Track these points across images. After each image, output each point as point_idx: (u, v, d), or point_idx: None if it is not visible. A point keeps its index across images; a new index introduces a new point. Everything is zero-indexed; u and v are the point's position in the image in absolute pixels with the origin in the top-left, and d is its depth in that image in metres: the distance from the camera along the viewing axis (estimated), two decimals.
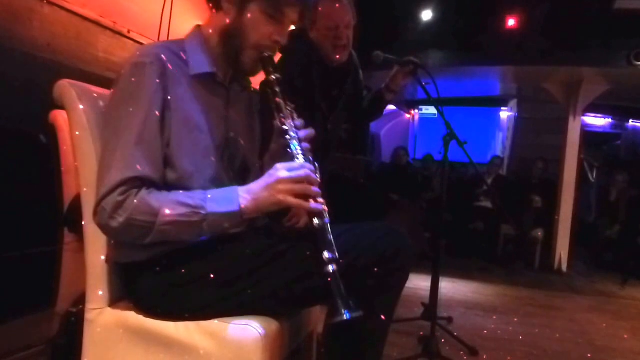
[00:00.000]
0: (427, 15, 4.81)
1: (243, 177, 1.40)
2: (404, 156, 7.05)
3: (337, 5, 2.08)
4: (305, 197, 1.16)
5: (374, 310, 1.24)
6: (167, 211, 1.11)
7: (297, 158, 1.22)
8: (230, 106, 1.37)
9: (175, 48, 1.27)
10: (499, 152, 8.46)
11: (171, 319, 1.20)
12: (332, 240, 1.14)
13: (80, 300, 1.39)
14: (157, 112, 1.17)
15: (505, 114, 9.02)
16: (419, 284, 3.99)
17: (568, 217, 5.75)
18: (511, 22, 4.82)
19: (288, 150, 1.24)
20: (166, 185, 1.18)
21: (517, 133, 8.26)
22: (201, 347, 1.17)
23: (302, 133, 1.27)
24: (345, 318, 1.05)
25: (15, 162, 2.14)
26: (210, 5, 1.33)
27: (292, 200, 1.16)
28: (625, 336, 3.32)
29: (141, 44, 2.94)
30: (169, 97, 1.19)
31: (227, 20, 1.28)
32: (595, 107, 6.97)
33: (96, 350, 1.26)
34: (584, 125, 6.46)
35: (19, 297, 2.09)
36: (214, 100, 1.32)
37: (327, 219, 1.16)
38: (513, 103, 8.50)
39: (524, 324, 3.42)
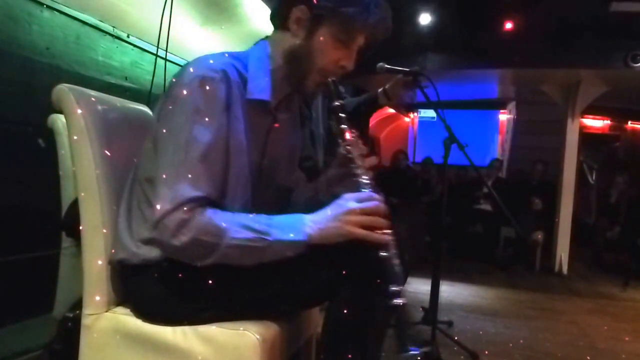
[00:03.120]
0: (425, 19, 4.81)
1: (278, 199, 1.40)
2: (404, 159, 7.04)
3: None
4: (372, 228, 1.14)
5: (372, 314, 1.24)
6: (233, 234, 1.08)
7: (365, 188, 1.20)
8: (272, 131, 1.34)
9: (239, 64, 1.22)
10: (498, 155, 8.47)
11: (169, 324, 1.19)
12: (399, 272, 1.13)
13: (77, 305, 1.39)
14: (223, 131, 1.14)
15: (504, 117, 9.04)
16: (418, 287, 3.98)
17: (568, 219, 5.74)
18: (509, 25, 4.83)
19: (353, 178, 1.23)
20: None
21: (516, 135, 8.27)
22: (198, 352, 1.16)
23: (368, 161, 1.26)
24: (414, 353, 1.07)
25: (13, 165, 2.14)
26: (275, 24, 1.31)
27: (360, 232, 1.13)
28: (627, 338, 3.31)
29: (141, 48, 2.94)
30: (230, 117, 1.17)
31: (295, 42, 1.25)
32: (593, 109, 6.97)
33: (93, 355, 1.25)
34: (583, 127, 6.47)
35: (16, 301, 2.08)
36: (259, 124, 1.29)
37: (393, 251, 1.14)
38: (512, 105, 8.52)
39: (524, 327, 3.42)
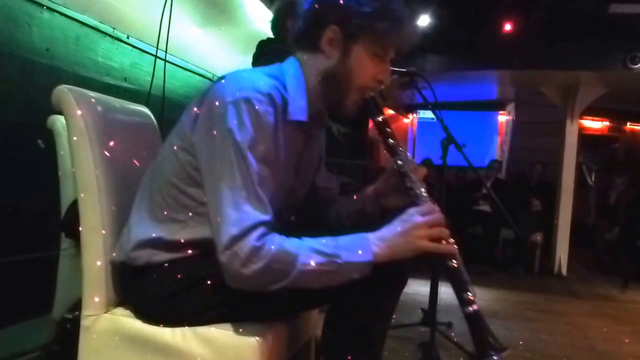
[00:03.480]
0: (424, 20, 4.82)
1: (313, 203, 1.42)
2: None
3: None
4: (439, 239, 1.16)
5: (372, 316, 1.24)
6: (305, 260, 1.06)
7: (423, 200, 1.21)
8: (305, 150, 1.35)
9: (279, 84, 1.20)
10: (497, 156, 8.47)
11: (169, 325, 1.19)
12: (468, 279, 1.15)
13: (76, 307, 1.39)
14: (272, 155, 1.13)
15: (503, 118, 9.04)
16: (418, 289, 3.98)
17: (567, 221, 5.74)
18: (508, 27, 4.83)
19: (410, 192, 1.24)
20: None
21: (515, 136, 8.27)
22: (198, 354, 1.16)
23: (419, 173, 1.27)
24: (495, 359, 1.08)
25: (13, 166, 2.14)
26: (304, 46, 1.28)
27: (430, 245, 1.15)
28: (627, 340, 3.31)
29: (140, 49, 2.94)
30: (275, 139, 1.15)
31: (331, 63, 1.23)
32: (592, 110, 6.98)
33: (92, 357, 1.24)
34: (582, 128, 6.47)
35: (15, 302, 2.08)
36: (295, 143, 1.29)
37: (460, 260, 1.17)
38: (511, 107, 8.51)
39: (524, 328, 3.41)
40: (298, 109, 1.22)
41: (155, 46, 2.64)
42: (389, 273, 1.20)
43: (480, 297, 4.28)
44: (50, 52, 2.31)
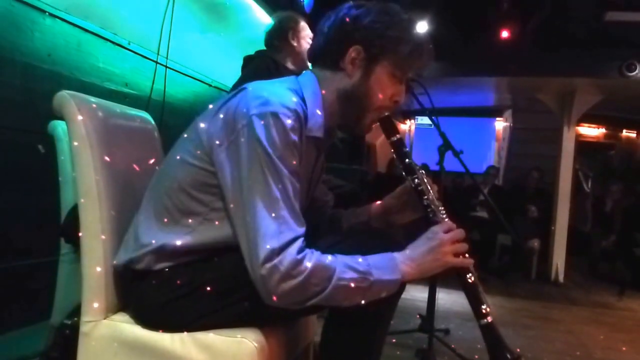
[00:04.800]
0: (422, 27, 4.84)
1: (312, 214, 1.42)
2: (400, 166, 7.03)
3: None
4: (462, 254, 1.22)
5: (371, 321, 1.24)
6: (341, 275, 1.07)
7: (442, 217, 1.28)
8: (316, 165, 1.37)
9: (299, 99, 1.19)
10: (494, 162, 8.49)
11: (168, 331, 1.19)
12: (483, 292, 1.22)
13: (75, 313, 1.38)
14: (298, 169, 1.13)
15: (500, 124, 9.06)
16: (415, 295, 3.97)
17: (564, 227, 5.75)
18: (505, 34, 4.86)
19: (428, 210, 1.30)
20: None
21: (512, 143, 8.30)
22: None
23: (435, 192, 1.33)
24: None
25: (13, 171, 2.13)
26: (323, 63, 1.29)
27: (456, 260, 1.21)
28: (624, 348, 3.30)
29: (141, 55, 2.95)
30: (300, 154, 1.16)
31: (351, 82, 1.25)
32: (589, 117, 7.00)
33: None
34: (578, 135, 6.50)
35: (13, 308, 2.08)
36: (310, 158, 1.30)
37: (475, 273, 1.24)
38: (508, 113, 8.54)
39: (521, 335, 3.41)
40: (316, 126, 1.23)
41: (156, 52, 2.65)
42: None
43: None
44: (52, 58, 2.31)
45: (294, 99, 1.16)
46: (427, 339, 2.67)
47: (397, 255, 1.17)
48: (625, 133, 8.96)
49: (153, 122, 1.61)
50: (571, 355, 3.08)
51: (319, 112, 1.24)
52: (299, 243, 1.05)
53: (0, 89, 2.07)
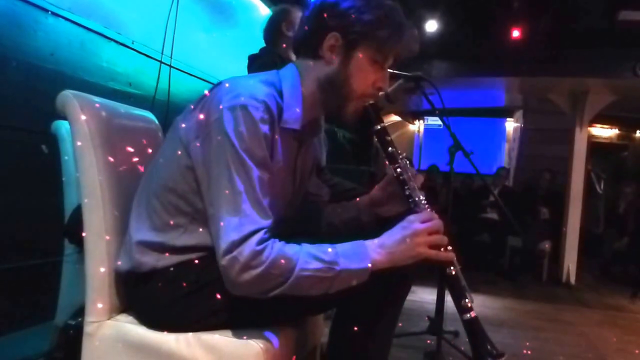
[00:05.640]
0: (431, 26, 4.81)
1: (305, 211, 1.43)
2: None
3: None
4: (439, 246, 1.17)
5: (378, 322, 1.23)
6: (303, 266, 1.07)
7: (422, 208, 1.23)
8: (298, 157, 1.35)
9: (274, 91, 1.20)
10: (504, 163, 8.44)
11: (173, 331, 1.18)
12: (465, 285, 1.17)
13: (79, 313, 1.38)
14: (268, 161, 1.13)
15: (510, 125, 9.02)
16: (424, 297, 3.95)
17: (576, 229, 5.70)
18: (516, 33, 4.82)
19: (409, 200, 1.25)
20: None
21: (523, 144, 8.24)
22: None
23: (417, 181, 1.28)
24: None
25: (17, 171, 2.14)
26: (303, 52, 1.29)
27: (430, 252, 1.16)
28: (636, 351, 3.27)
29: (146, 55, 2.95)
30: (272, 146, 1.17)
31: (331, 70, 1.24)
32: (601, 118, 6.94)
33: None
34: (591, 136, 6.45)
35: (18, 309, 2.08)
36: (290, 151, 1.29)
37: (458, 267, 1.19)
38: (519, 114, 8.49)
39: (532, 338, 3.38)
40: (292, 118, 1.22)
41: (160, 51, 2.65)
42: (393, 279, 1.20)
43: (488, 305, 4.28)
44: (55, 57, 2.31)
45: (267, 90, 1.17)
46: (435, 341, 2.65)
47: (368, 243, 1.15)
48: (638, 134, 8.88)
49: (157, 122, 1.60)
50: (583, 357, 3.05)
51: (296, 103, 1.24)
52: (260, 235, 1.05)
53: (3, 89, 2.07)
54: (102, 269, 1.24)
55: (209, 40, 3.58)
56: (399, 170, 1.27)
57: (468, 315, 1.17)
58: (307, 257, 1.08)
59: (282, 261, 1.05)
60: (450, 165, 2.66)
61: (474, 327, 1.17)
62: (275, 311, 1.20)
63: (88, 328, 1.24)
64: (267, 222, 1.07)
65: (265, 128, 1.11)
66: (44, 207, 2.04)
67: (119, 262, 1.24)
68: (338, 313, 1.28)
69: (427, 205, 1.23)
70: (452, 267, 1.19)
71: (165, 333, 1.18)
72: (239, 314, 1.18)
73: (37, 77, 2.21)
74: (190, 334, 1.17)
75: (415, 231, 1.15)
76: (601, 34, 4.65)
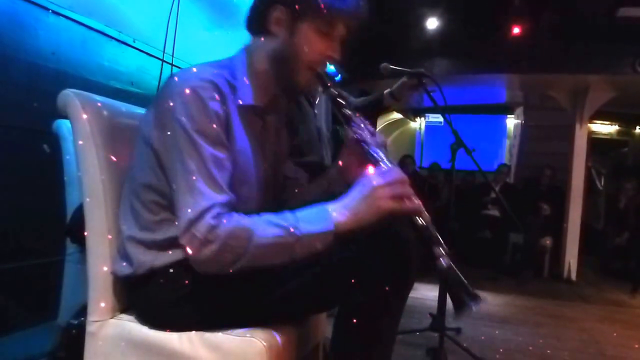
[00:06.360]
0: (432, 23, 4.81)
1: (283, 195, 1.41)
2: (411, 164, 7.02)
3: None
4: (402, 198, 1.14)
5: (381, 318, 1.23)
6: (261, 234, 1.06)
7: (382, 163, 1.20)
8: (264, 135, 1.36)
9: (227, 73, 1.23)
10: (505, 160, 8.43)
11: (176, 330, 1.18)
12: (438, 234, 1.13)
13: (82, 312, 1.38)
14: (223, 137, 1.15)
15: (511, 122, 9.00)
16: (426, 294, 3.96)
17: (576, 225, 5.71)
18: (516, 30, 4.81)
19: (369, 158, 1.22)
20: None
21: (523, 140, 8.23)
22: (205, 359, 1.15)
23: (377, 139, 1.26)
24: (473, 310, 1.07)
25: (19, 171, 2.13)
26: (253, 29, 1.32)
27: (393, 204, 1.12)
28: (636, 346, 3.28)
29: (147, 53, 2.94)
30: (229, 124, 1.18)
31: (279, 43, 1.26)
32: (601, 114, 6.93)
33: None
34: (591, 132, 6.44)
35: (20, 308, 2.08)
36: (254, 130, 1.30)
37: (427, 216, 1.15)
38: (519, 110, 8.47)
39: (533, 334, 3.39)
40: (246, 94, 1.25)
41: (162, 50, 2.64)
42: (396, 274, 1.19)
43: (490, 302, 4.29)
44: (56, 56, 2.31)
45: (215, 71, 1.19)
46: (438, 338, 2.65)
47: (331, 205, 1.13)
48: (638, 130, 8.88)
49: None
50: (584, 352, 3.06)
51: (247, 80, 1.26)
52: (216, 209, 1.06)
53: (5, 88, 2.07)
54: (105, 268, 1.24)
55: (212, 38, 3.57)
56: (356, 129, 1.27)
57: (443, 261, 1.11)
58: (265, 225, 1.08)
59: (239, 232, 1.05)
60: (452, 163, 2.65)
61: (448, 275, 1.11)
62: (277, 311, 1.20)
63: (91, 327, 1.24)
64: (222, 197, 1.08)
65: (215, 106, 1.13)
66: (45, 206, 2.04)
67: (117, 264, 1.24)
68: (341, 310, 1.28)
69: (387, 160, 1.21)
70: (419, 217, 1.14)
71: (168, 332, 1.18)
72: (241, 313, 1.18)
73: (38, 76, 2.21)
74: (193, 333, 1.17)
75: (374, 186, 1.12)
76: (601, 30, 4.65)
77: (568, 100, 5.83)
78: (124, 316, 1.26)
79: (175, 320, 1.19)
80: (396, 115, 9.57)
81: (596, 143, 7.70)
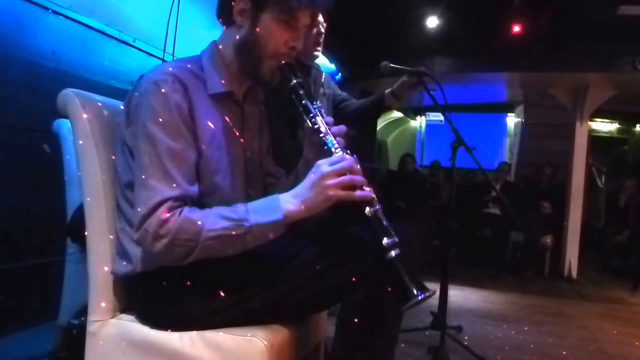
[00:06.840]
0: (432, 22, 4.80)
1: (266, 193, 1.40)
2: (411, 163, 7.01)
3: None
4: (353, 187, 1.14)
5: (382, 317, 1.22)
6: (210, 226, 1.08)
7: (336, 151, 1.20)
8: (245, 124, 1.36)
9: (193, 66, 1.26)
10: (506, 158, 8.43)
11: (176, 330, 1.18)
12: (388, 225, 1.13)
13: (82, 312, 1.38)
14: (185, 128, 1.15)
15: (512, 120, 9.00)
16: None
17: (577, 223, 5.71)
18: (516, 29, 4.81)
19: (324, 147, 1.23)
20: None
21: (524, 139, 8.22)
22: (206, 359, 1.15)
23: (334, 129, 1.26)
24: (420, 299, 1.06)
25: (19, 170, 2.13)
26: (222, 21, 1.33)
27: (342, 193, 1.13)
28: (637, 343, 3.28)
29: (147, 52, 2.94)
30: (194, 114, 1.18)
31: (243, 33, 1.27)
32: (602, 112, 6.93)
33: None
34: (591, 130, 6.44)
35: (21, 308, 2.08)
36: (231, 119, 1.31)
37: (378, 206, 1.15)
38: (520, 109, 8.47)
39: (534, 332, 3.39)
40: (214, 83, 1.26)
41: (162, 49, 2.64)
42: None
43: (490, 300, 4.29)
44: (56, 56, 2.31)
45: (178, 65, 1.22)
46: (439, 336, 2.66)
47: (281, 196, 1.15)
48: (638, 128, 8.87)
49: None
50: (584, 350, 3.06)
51: (215, 70, 1.28)
52: (167, 204, 1.07)
53: (4, 87, 2.07)
54: (105, 268, 1.24)
55: (212, 37, 3.57)
56: (313, 120, 1.27)
57: (391, 253, 1.10)
58: (215, 218, 1.09)
59: (188, 226, 1.07)
60: (453, 161, 2.65)
61: (393, 268, 1.10)
62: (278, 310, 1.20)
63: (91, 327, 1.23)
64: (174, 192, 1.09)
65: (176, 97, 1.15)
66: (45, 206, 2.04)
67: (116, 264, 1.24)
68: (343, 309, 1.28)
69: (341, 150, 1.21)
70: (369, 208, 1.14)
71: (168, 331, 1.18)
72: (242, 313, 1.18)
73: (38, 75, 2.21)
74: (194, 332, 1.17)
75: (323, 174, 1.13)
76: (601, 29, 4.64)
77: (568, 99, 5.83)
78: (124, 316, 1.26)
79: (175, 320, 1.19)
80: (397, 114, 9.57)
81: (596, 141, 7.70)
